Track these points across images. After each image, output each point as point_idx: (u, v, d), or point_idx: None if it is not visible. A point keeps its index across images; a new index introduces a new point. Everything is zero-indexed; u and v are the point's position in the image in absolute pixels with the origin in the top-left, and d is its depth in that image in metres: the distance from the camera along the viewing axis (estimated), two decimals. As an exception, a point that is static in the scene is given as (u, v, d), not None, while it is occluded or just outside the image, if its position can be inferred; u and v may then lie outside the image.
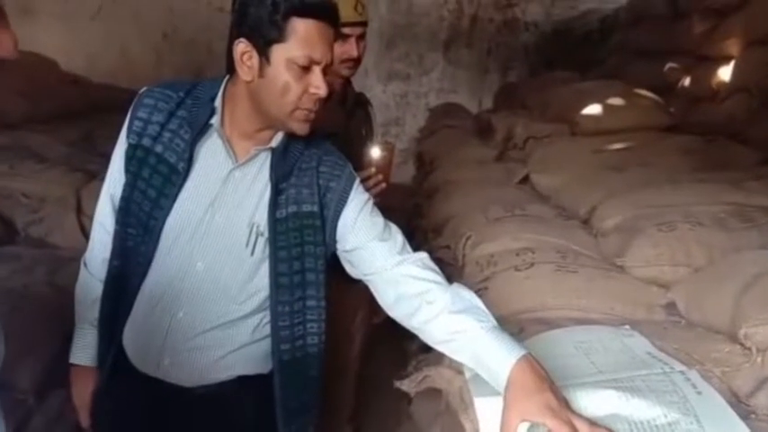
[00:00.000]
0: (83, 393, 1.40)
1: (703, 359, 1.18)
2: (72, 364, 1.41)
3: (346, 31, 1.71)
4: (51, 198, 2.42)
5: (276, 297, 1.25)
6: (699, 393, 1.02)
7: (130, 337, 1.31)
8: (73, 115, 3.56)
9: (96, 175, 2.44)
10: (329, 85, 1.19)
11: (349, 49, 1.77)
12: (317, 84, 1.16)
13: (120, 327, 1.31)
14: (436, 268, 1.24)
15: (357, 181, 1.30)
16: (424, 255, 1.27)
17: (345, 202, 1.27)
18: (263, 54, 1.15)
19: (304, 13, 1.13)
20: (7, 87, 3.22)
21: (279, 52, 1.14)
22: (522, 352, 1.04)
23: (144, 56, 5.73)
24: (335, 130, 1.62)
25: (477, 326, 1.10)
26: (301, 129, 1.21)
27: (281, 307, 1.26)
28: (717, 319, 1.30)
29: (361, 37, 1.81)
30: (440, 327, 1.15)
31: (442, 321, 1.15)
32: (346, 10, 1.62)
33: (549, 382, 1.00)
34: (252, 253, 1.24)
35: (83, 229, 2.29)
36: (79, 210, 2.37)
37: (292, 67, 1.14)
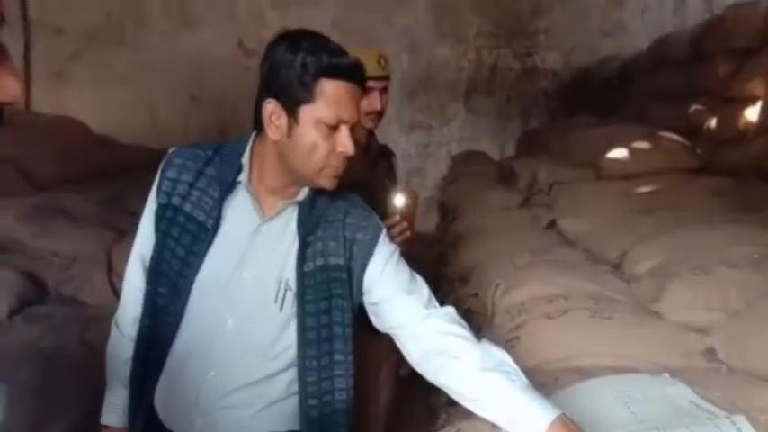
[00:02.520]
0: None
1: (747, 407, 1.14)
2: (103, 426, 1.39)
3: (370, 84, 1.73)
4: (82, 256, 2.46)
5: (303, 351, 1.24)
6: (746, 441, 0.98)
7: (162, 397, 1.30)
8: (103, 175, 3.67)
9: (126, 234, 2.47)
10: (354, 139, 1.20)
11: (372, 102, 1.80)
12: (345, 143, 1.18)
13: (151, 386, 1.30)
14: (463, 322, 1.23)
15: (383, 232, 1.29)
16: (450, 309, 1.25)
17: (372, 253, 1.26)
18: (292, 115, 1.16)
19: (333, 74, 1.15)
20: (40, 151, 3.33)
21: (307, 113, 1.16)
22: (557, 412, 1.02)
23: (172, 117, 5.90)
24: (359, 179, 1.63)
25: (509, 385, 1.08)
26: (329, 184, 1.22)
27: (308, 362, 1.24)
28: (759, 365, 1.27)
29: (384, 90, 1.85)
30: (469, 385, 1.13)
31: (471, 379, 1.13)
32: (370, 64, 1.66)
33: None
34: (281, 309, 1.24)
35: (113, 287, 2.31)
36: (110, 268, 2.40)
37: (320, 127, 1.16)
